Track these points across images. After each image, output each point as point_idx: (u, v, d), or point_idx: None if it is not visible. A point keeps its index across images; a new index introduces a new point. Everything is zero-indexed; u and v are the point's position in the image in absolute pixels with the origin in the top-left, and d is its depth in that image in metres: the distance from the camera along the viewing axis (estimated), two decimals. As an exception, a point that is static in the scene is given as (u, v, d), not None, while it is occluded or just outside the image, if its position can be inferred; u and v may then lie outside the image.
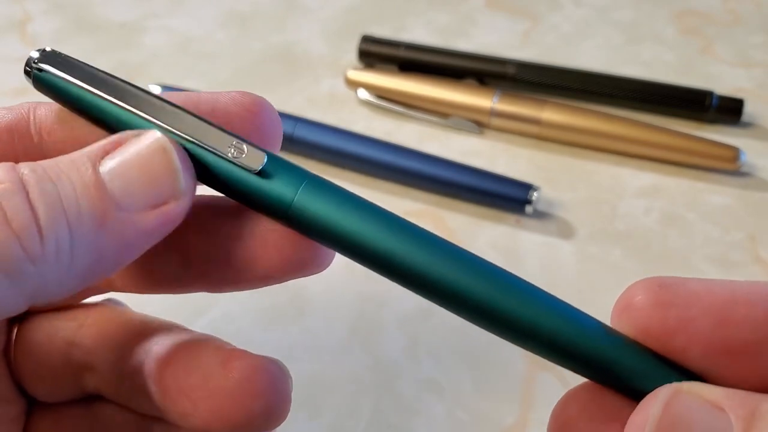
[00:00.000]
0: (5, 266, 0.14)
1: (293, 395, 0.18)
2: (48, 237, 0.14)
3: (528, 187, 0.37)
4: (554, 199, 0.39)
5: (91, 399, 0.20)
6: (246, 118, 0.17)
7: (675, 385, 0.14)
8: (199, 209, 0.18)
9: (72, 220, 0.15)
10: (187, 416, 0.18)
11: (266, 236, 0.17)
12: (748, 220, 0.38)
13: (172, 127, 0.17)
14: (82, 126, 0.17)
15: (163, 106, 0.17)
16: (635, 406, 0.15)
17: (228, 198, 0.17)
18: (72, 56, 0.17)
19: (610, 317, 0.16)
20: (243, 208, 0.17)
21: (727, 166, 0.39)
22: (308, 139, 0.40)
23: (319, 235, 0.17)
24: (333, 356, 0.32)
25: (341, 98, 0.45)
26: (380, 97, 0.44)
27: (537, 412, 0.30)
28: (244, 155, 0.16)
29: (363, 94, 0.44)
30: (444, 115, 0.43)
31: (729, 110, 0.42)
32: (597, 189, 0.39)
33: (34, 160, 0.16)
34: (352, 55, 0.47)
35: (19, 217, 0.14)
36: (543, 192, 0.38)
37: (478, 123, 0.43)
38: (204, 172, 0.17)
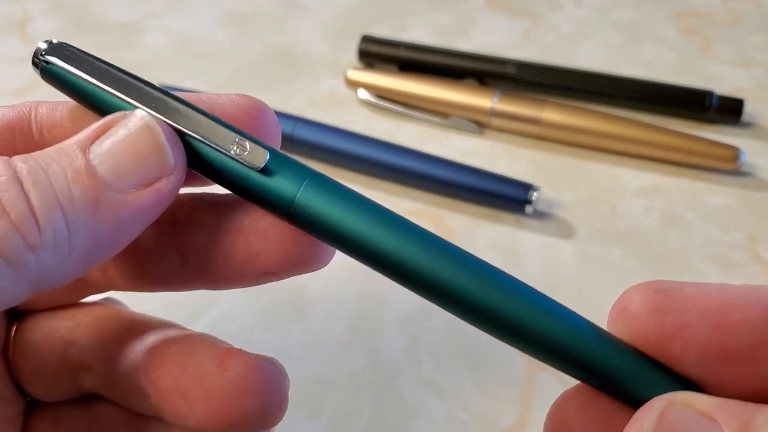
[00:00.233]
0: (7, 256, 0.14)
1: (293, 395, 0.18)
2: (44, 226, 0.14)
3: (528, 187, 0.37)
4: (554, 199, 0.39)
5: (88, 398, 0.20)
6: (245, 122, 0.17)
7: (669, 397, 0.14)
8: (199, 205, 0.18)
9: (66, 207, 0.15)
10: (182, 416, 0.18)
11: (267, 232, 0.17)
12: (748, 220, 0.38)
13: (175, 122, 0.17)
14: (83, 123, 0.17)
15: (167, 101, 0.17)
16: (630, 408, 0.15)
17: (229, 193, 0.17)
18: (80, 48, 0.17)
19: (607, 321, 0.15)
20: (244, 203, 0.17)
21: (727, 166, 0.39)
22: (308, 139, 0.40)
23: (321, 233, 0.17)
24: (333, 356, 0.32)
25: (341, 98, 0.45)
26: (380, 97, 0.44)
27: (537, 412, 0.30)
28: (246, 152, 0.16)
29: (363, 94, 0.44)
30: (444, 115, 0.43)
31: (729, 110, 0.42)
32: (597, 189, 0.39)
33: None
34: (352, 55, 0.47)
35: (16, 209, 0.14)
36: (543, 192, 0.38)
37: (478, 123, 0.43)
38: (206, 166, 0.17)
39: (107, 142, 0.16)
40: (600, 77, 0.44)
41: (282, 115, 0.40)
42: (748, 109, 0.42)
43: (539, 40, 0.49)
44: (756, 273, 0.35)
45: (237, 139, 0.17)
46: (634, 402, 0.15)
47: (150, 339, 0.19)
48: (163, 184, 0.16)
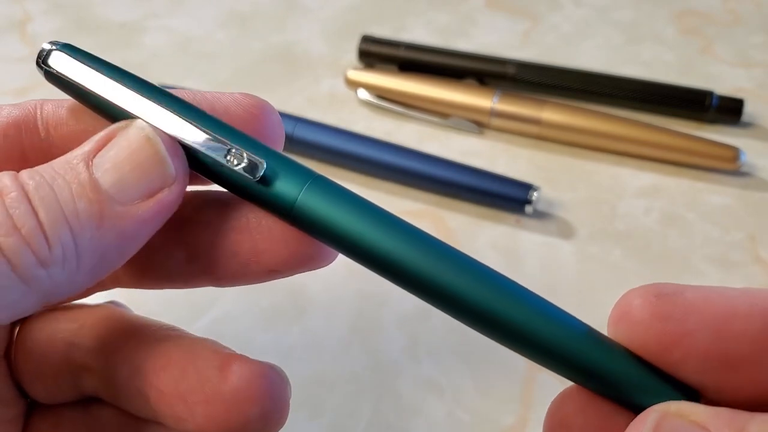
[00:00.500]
0: (20, 272, 0.14)
1: (293, 395, 0.18)
2: (53, 241, 0.15)
3: (528, 187, 0.37)
4: (554, 199, 0.39)
5: (88, 401, 0.20)
6: (247, 121, 0.17)
7: (663, 407, 0.14)
8: (205, 202, 0.18)
9: (72, 222, 0.15)
10: (182, 420, 0.18)
11: (272, 230, 0.17)
12: (748, 220, 0.38)
13: (173, 133, 0.17)
14: (88, 121, 0.18)
15: (166, 111, 0.17)
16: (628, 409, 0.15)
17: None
18: (84, 50, 0.17)
19: (607, 324, 0.15)
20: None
21: (727, 166, 0.39)
22: (308, 139, 0.40)
23: (323, 236, 0.17)
24: (333, 356, 0.32)
25: (341, 98, 0.45)
26: (380, 97, 0.44)
27: (537, 412, 0.30)
28: (243, 163, 0.16)
29: (363, 94, 0.44)
30: (444, 115, 0.43)
31: (729, 110, 0.42)
32: (597, 189, 0.39)
33: (42, 154, 0.17)
34: (352, 55, 0.47)
35: (27, 225, 0.15)
36: (543, 192, 0.38)
37: (478, 123, 0.43)
38: (207, 171, 0.17)
39: (109, 155, 0.16)
40: (600, 77, 0.44)
41: (282, 115, 0.40)
42: (748, 109, 0.43)
43: (539, 40, 0.49)
44: (756, 273, 0.35)
45: (234, 150, 0.17)
46: (631, 406, 0.15)
47: (152, 342, 0.19)
48: (165, 195, 0.16)
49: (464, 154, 0.41)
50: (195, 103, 0.17)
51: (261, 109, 0.18)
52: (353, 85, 0.44)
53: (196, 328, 0.32)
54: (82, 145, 0.16)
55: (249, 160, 0.16)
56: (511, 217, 0.38)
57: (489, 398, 0.31)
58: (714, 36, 0.49)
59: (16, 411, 0.20)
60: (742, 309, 0.14)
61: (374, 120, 0.43)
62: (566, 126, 0.41)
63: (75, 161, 0.16)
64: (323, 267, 0.18)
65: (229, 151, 0.17)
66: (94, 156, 0.16)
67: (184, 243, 0.18)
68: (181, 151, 0.17)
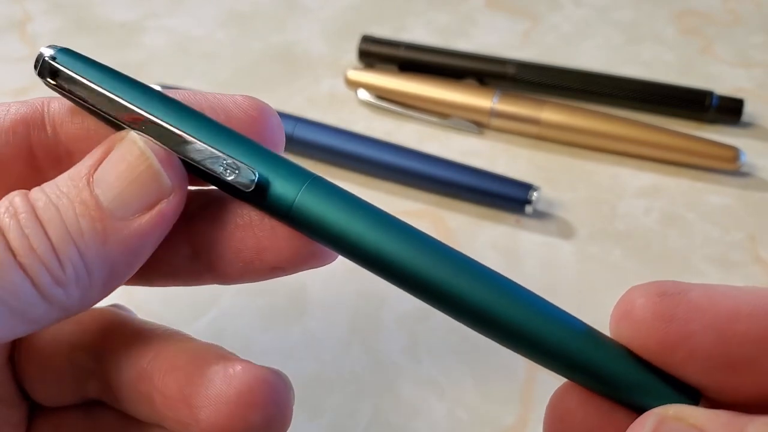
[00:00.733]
0: (41, 290, 0.15)
1: (293, 395, 0.18)
2: (65, 261, 0.15)
3: (528, 187, 0.37)
4: (554, 199, 0.39)
5: (91, 404, 0.20)
6: (247, 123, 0.18)
7: (661, 411, 0.14)
8: (210, 200, 0.18)
9: (78, 241, 0.16)
10: (186, 425, 0.18)
11: (275, 228, 0.17)
12: (748, 220, 0.38)
13: (167, 146, 0.17)
14: (91, 120, 0.18)
15: (161, 123, 0.17)
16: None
17: None
18: (80, 54, 0.17)
19: (609, 323, 0.15)
20: None
21: (727, 166, 0.39)
22: (308, 139, 0.40)
23: (321, 237, 0.17)
24: (333, 356, 0.32)
25: (341, 98, 0.45)
26: (380, 97, 0.44)
27: (537, 412, 0.30)
28: (237, 174, 0.16)
29: (363, 94, 0.44)
30: (444, 116, 0.43)
31: (729, 110, 0.42)
32: (597, 189, 0.39)
33: (48, 151, 0.18)
34: (352, 55, 0.47)
35: (41, 246, 0.15)
36: (543, 192, 0.38)
37: (477, 123, 0.43)
38: (203, 177, 0.17)
39: (108, 172, 0.16)
40: (600, 77, 0.44)
41: (282, 115, 0.40)
42: (748, 109, 0.43)
43: (539, 40, 0.49)
44: (756, 273, 0.35)
45: (228, 162, 0.17)
46: (631, 406, 0.15)
47: (156, 346, 0.19)
48: (164, 206, 0.17)
49: (464, 154, 0.41)
50: (195, 105, 0.17)
51: (261, 111, 0.18)
52: (353, 85, 0.44)
53: (197, 327, 0.32)
54: (83, 160, 0.17)
55: (242, 170, 0.16)
56: (511, 217, 0.38)
57: (489, 398, 0.31)
58: (714, 36, 0.49)
59: (19, 413, 0.20)
60: (746, 310, 0.14)
61: (374, 120, 0.43)
62: (566, 126, 0.41)
63: (76, 178, 0.16)
64: (326, 264, 0.18)
65: (223, 162, 0.17)
66: (95, 171, 0.16)
67: (188, 240, 0.18)
68: (177, 161, 0.17)
